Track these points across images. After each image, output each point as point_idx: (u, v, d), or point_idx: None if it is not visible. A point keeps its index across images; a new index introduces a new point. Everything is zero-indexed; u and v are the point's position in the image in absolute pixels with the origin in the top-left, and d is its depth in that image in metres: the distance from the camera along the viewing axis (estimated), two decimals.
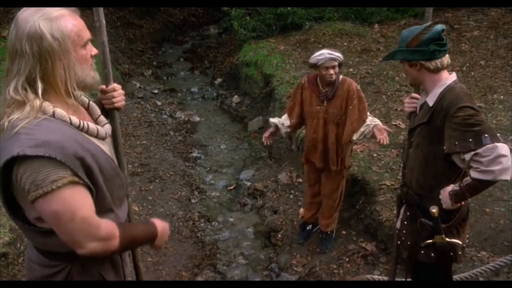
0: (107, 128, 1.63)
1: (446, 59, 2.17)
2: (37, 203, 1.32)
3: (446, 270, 2.38)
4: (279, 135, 4.15)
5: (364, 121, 3.40)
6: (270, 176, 5.29)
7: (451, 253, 2.29)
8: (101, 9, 1.78)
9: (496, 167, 1.95)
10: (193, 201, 5.00)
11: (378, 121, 3.44)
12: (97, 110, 1.66)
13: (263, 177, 5.30)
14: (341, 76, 3.48)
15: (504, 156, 1.95)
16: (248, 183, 5.34)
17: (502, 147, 1.96)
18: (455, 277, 2.86)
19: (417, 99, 2.37)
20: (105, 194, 1.48)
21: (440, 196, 2.18)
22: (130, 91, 7.43)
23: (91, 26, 1.55)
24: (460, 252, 2.31)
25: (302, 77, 3.84)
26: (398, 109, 5.39)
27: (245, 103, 7.39)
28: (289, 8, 7.89)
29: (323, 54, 3.31)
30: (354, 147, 4.48)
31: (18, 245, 3.30)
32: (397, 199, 2.62)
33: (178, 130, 6.69)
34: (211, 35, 11.23)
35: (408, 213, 2.42)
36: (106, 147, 1.58)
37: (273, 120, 3.80)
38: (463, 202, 2.19)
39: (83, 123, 1.47)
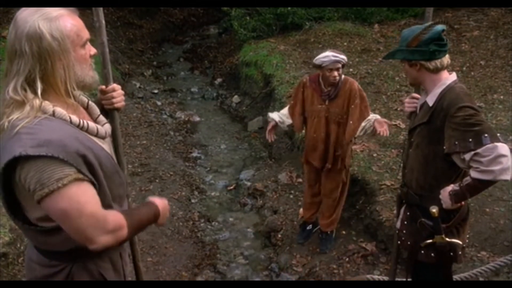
0: (107, 127, 1.63)
1: (446, 59, 2.16)
2: (44, 202, 1.32)
3: (446, 270, 2.38)
4: (279, 134, 4.14)
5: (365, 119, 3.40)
6: (270, 176, 5.29)
7: (451, 253, 2.29)
8: (100, 9, 1.78)
9: (496, 167, 1.94)
10: (193, 201, 5.00)
11: (378, 116, 3.44)
12: (96, 110, 1.66)
13: (263, 177, 5.30)
14: (343, 76, 3.48)
15: (504, 156, 1.94)
16: (248, 183, 5.34)
17: (502, 147, 1.96)
18: (455, 277, 2.86)
19: (417, 99, 2.37)
20: (106, 191, 1.49)
21: (440, 196, 2.18)
22: (130, 91, 7.44)
23: (90, 26, 1.55)
24: (460, 252, 2.31)
25: (303, 76, 3.82)
26: (398, 109, 5.39)
27: (245, 103, 7.39)
28: (289, 8, 7.89)
29: (328, 56, 3.31)
30: (354, 147, 4.48)
31: (18, 245, 3.30)
32: (397, 199, 2.61)
33: (178, 130, 6.69)
34: (211, 35, 11.23)
35: (408, 213, 2.42)
36: (106, 146, 1.58)
37: (273, 115, 3.79)
38: (463, 202, 2.19)
39: (83, 122, 1.47)
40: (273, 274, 3.96)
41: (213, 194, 5.25)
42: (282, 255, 4.09)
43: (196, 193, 5.16)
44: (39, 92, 1.36)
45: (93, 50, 1.50)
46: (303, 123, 3.69)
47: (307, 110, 3.60)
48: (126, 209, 1.64)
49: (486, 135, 1.97)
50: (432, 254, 2.30)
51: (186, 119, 7.07)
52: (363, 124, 3.38)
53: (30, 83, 1.36)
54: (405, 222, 2.43)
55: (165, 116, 7.04)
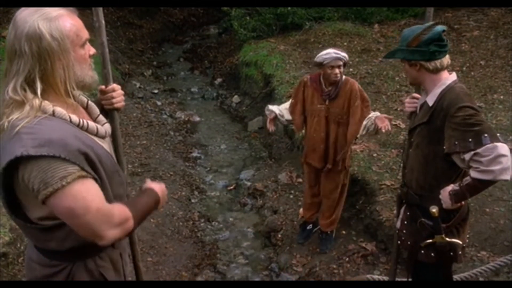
0: (107, 127, 1.63)
1: (446, 59, 2.16)
2: (49, 201, 1.32)
3: (446, 270, 2.38)
4: (279, 134, 4.14)
5: None
6: (270, 176, 5.29)
7: (451, 253, 2.29)
8: (100, 9, 1.78)
9: (496, 167, 1.94)
10: (193, 201, 5.00)
11: (379, 113, 3.44)
12: (96, 110, 1.66)
13: (263, 177, 5.30)
14: (344, 76, 3.48)
15: (504, 156, 1.94)
16: (248, 183, 5.34)
17: (502, 147, 1.96)
18: (455, 277, 2.86)
19: (418, 99, 2.37)
20: (108, 188, 1.49)
21: (440, 196, 2.18)
22: (130, 91, 7.44)
23: (90, 26, 1.55)
24: (460, 252, 2.31)
25: (304, 76, 3.82)
26: (398, 109, 5.39)
27: (245, 103, 7.39)
28: (289, 8, 7.89)
29: (330, 53, 3.31)
30: (354, 147, 4.48)
31: (18, 245, 3.30)
32: (397, 199, 2.61)
33: (178, 130, 6.69)
34: (211, 35, 11.23)
35: (408, 213, 2.42)
36: (106, 145, 1.58)
37: (272, 107, 3.78)
38: (463, 202, 2.19)
39: (83, 121, 1.47)
40: (273, 274, 3.96)
41: (213, 194, 5.25)
42: (282, 255, 4.09)
43: (196, 193, 5.16)
44: (38, 92, 1.36)
45: (92, 50, 1.50)
46: (303, 122, 3.69)
47: (307, 110, 3.60)
48: (129, 200, 1.64)
49: (486, 135, 1.97)
50: (432, 254, 2.30)
51: (186, 119, 7.07)
52: (364, 122, 3.37)
53: (29, 83, 1.36)
54: (405, 222, 2.43)
55: (165, 116, 7.04)
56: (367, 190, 4.20)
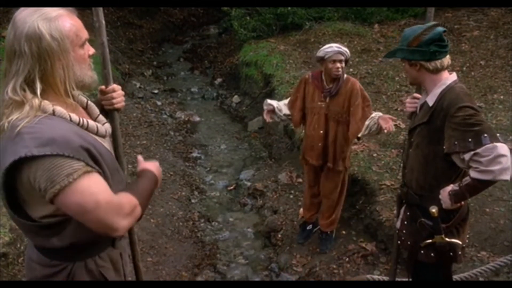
0: (107, 126, 1.63)
1: (447, 60, 2.16)
2: (57, 199, 1.32)
3: (446, 270, 2.38)
4: (279, 134, 4.13)
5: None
6: (270, 176, 5.29)
7: (451, 253, 2.28)
8: (100, 9, 1.78)
9: (495, 167, 1.94)
10: (193, 201, 5.00)
11: (381, 114, 3.44)
12: (95, 110, 1.66)
13: (263, 177, 5.30)
14: (345, 75, 3.49)
15: (503, 156, 1.94)
16: (248, 183, 5.34)
17: (502, 147, 1.96)
18: (455, 277, 2.86)
19: (418, 99, 2.37)
20: (111, 183, 1.49)
21: (440, 196, 2.18)
22: (130, 91, 7.44)
23: (90, 26, 1.55)
24: (460, 252, 2.31)
25: (305, 73, 3.81)
26: (398, 109, 5.39)
27: (245, 103, 7.39)
28: (289, 8, 7.90)
29: (332, 47, 3.32)
30: (354, 147, 4.48)
31: (18, 245, 3.30)
32: (397, 199, 2.61)
33: (178, 130, 6.69)
34: (211, 35, 11.23)
35: (408, 213, 2.42)
36: (106, 144, 1.59)
37: (271, 101, 3.78)
38: (463, 202, 2.19)
39: (83, 120, 1.47)
40: (273, 274, 3.96)
41: (213, 194, 5.25)
42: (282, 255, 4.09)
43: (196, 193, 5.16)
44: (38, 92, 1.36)
45: (91, 50, 1.50)
46: (302, 119, 3.69)
47: (307, 107, 3.59)
48: (130, 186, 1.64)
49: (485, 135, 1.97)
50: (432, 254, 2.30)
51: (186, 119, 7.08)
52: (367, 122, 3.37)
53: (29, 83, 1.36)
54: (405, 222, 2.43)
55: (165, 116, 7.04)
56: (367, 190, 4.20)
